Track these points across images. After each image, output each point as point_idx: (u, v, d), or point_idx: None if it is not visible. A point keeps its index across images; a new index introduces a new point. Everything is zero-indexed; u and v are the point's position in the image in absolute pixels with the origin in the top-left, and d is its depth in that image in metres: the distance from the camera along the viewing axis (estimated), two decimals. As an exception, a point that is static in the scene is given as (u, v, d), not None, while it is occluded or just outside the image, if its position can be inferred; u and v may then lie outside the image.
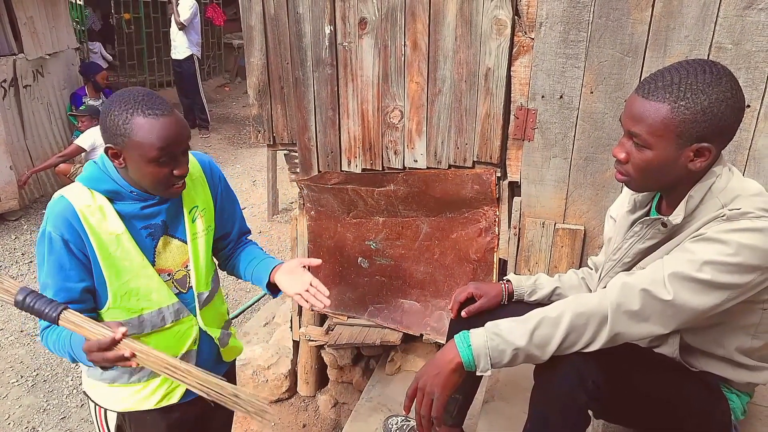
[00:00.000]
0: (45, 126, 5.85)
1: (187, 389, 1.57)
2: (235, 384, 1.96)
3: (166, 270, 1.53)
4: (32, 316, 1.40)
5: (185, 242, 1.55)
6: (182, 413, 1.65)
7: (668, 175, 1.22)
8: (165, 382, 1.58)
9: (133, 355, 1.26)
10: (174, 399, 1.61)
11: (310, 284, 1.59)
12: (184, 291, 1.57)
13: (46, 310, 1.27)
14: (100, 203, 1.41)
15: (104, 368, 1.39)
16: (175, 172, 1.39)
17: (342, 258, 2.63)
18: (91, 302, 1.45)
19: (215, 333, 1.65)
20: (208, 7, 9.66)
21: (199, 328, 1.61)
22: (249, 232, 1.83)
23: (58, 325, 1.29)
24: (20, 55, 5.40)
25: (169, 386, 1.59)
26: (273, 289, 1.69)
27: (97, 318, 1.48)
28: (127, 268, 1.45)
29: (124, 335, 1.26)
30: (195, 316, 1.59)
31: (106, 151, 1.39)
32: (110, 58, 8.93)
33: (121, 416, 1.61)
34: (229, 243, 1.76)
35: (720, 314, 1.21)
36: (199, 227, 1.58)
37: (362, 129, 2.35)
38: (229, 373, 1.82)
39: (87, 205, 1.40)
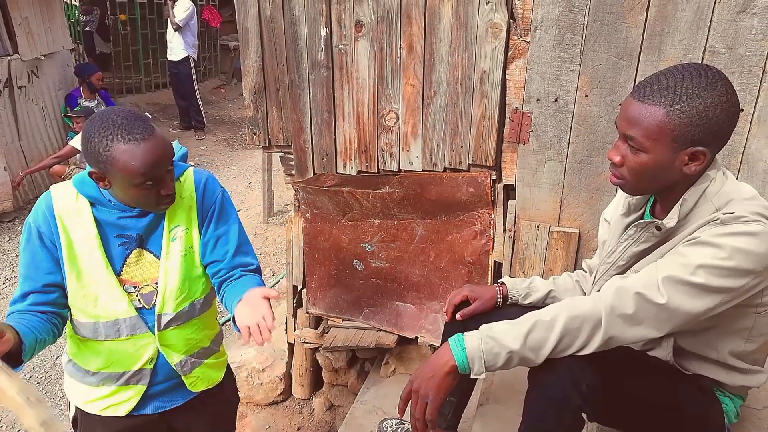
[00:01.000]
0: (40, 127, 5.82)
1: (138, 403, 1.56)
2: (235, 415, 1.90)
3: (132, 282, 1.49)
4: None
5: (160, 259, 1.51)
6: (144, 424, 1.60)
7: (663, 178, 1.23)
8: (113, 394, 1.55)
9: None
10: (119, 412, 1.56)
11: (263, 317, 1.35)
12: (148, 307, 1.51)
13: None
14: (81, 206, 1.44)
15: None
16: (162, 192, 1.39)
17: (337, 260, 2.63)
18: (58, 296, 1.45)
19: (173, 358, 1.57)
20: (204, 8, 9.65)
21: (157, 348, 1.54)
22: (251, 264, 1.60)
23: None
24: (15, 56, 5.38)
25: (117, 400, 1.56)
26: None
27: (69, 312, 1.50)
28: (89, 273, 1.45)
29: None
30: (153, 334, 1.53)
31: (90, 175, 1.37)
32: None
33: (78, 410, 1.62)
34: (220, 271, 1.56)
35: (713, 318, 1.22)
36: (176, 247, 1.52)
37: (358, 131, 2.35)
38: (207, 406, 1.70)
39: (67, 204, 1.43)
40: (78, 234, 1.43)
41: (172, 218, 1.52)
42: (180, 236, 1.52)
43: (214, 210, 1.57)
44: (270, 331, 1.32)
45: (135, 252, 1.49)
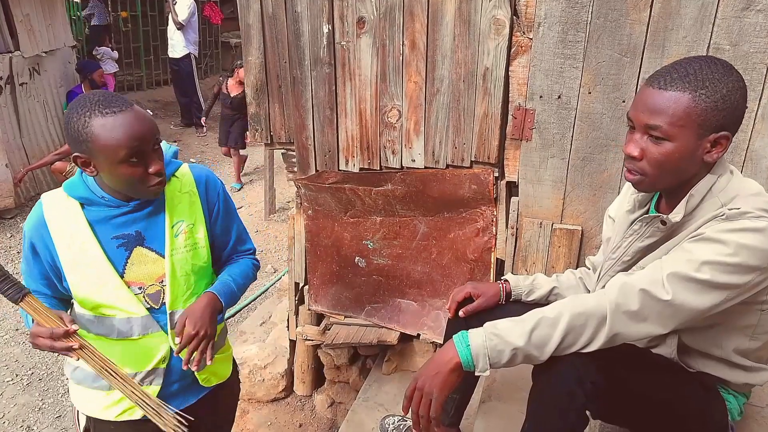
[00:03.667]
0: (41, 124, 5.83)
1: None
2: (235, 406, 1.90)
3: (137, 283, 1.46)
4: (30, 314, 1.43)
5: (163, 256, 1.47)
6: (154, 428, 1.52)
7: (684, 169, 1.21)
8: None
9: (80, 348, 1.30)
10: (135, 415, 1.52)
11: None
12: (157, 306, 1.49)
13: (10, 292, 1.31)
14: (71, 209, 1.41)
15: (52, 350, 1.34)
16: (150, 170, 1.33)
17: (339, 257, 2.63)
18: (56, 291, 1.48)
19: (186, 355, 1.51)
20: (205, 5, 9.63)
21: (170, 347, 1.52)
22: (248, 250, 1.73)
23: (19, 306, 1.32)
24: (16, 53, 5.38)
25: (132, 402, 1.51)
26: None
27: (72, 306, 1.51)
28: (93, 278, 1.42)
29: (75, 331, 1.31)
30: (166, 333, 1.51)
31: (74, 161, 1.33)
32: (116, 55, 8.62)
33: (89, 420, 1.58)
34: (221, 258, 1.67)
35: (718, 315, 1.21)
36: (180, 242, 1.49)
37: (360, 128, 2.34)
38: (216, 399, 1.70)
39: (57, 210, 1.41)
40: (73, 238, 1.39)
41: (173, 214, 1.49)
42: (184, 231, 1.50)
43: (219, 205, 1.60)
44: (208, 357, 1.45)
45: (135, 251, 1.45)
